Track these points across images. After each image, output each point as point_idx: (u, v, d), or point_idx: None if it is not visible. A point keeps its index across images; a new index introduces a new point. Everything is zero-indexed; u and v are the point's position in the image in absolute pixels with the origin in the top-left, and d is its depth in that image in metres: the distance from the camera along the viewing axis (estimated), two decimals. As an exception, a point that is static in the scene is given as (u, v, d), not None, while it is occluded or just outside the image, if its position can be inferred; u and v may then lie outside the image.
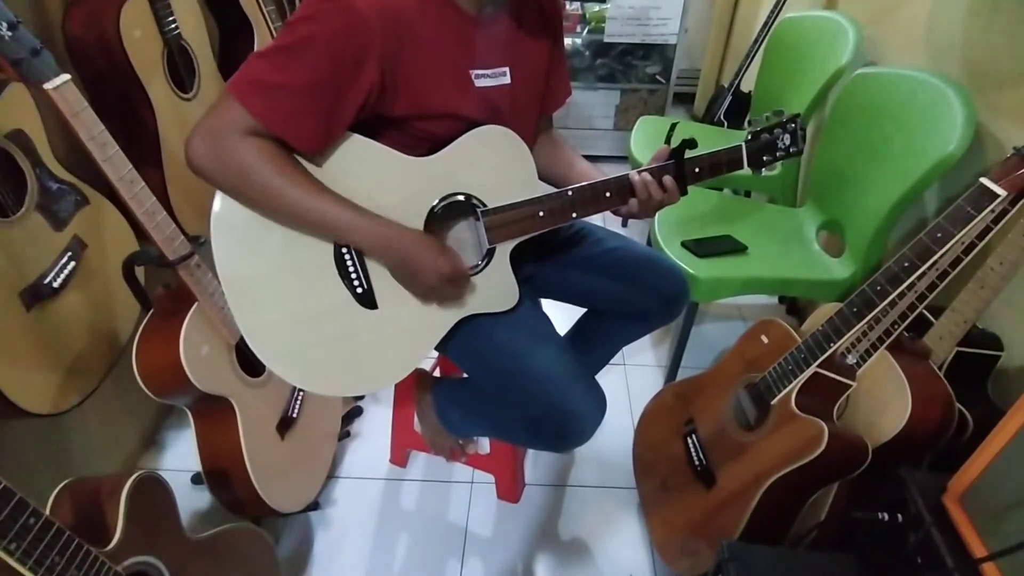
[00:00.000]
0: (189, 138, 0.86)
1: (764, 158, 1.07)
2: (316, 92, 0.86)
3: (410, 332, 1.04)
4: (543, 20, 1.07)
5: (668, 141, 1.05)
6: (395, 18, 0.87)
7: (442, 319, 1.05)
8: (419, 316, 1.03)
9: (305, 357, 0.98)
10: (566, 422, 1.01)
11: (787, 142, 1.07)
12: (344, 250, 0.96)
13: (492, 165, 1.01)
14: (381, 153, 0.95)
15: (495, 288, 1.06)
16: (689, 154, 1.03)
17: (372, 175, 0.95)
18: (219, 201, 0.91)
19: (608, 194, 1.03)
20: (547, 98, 1.15)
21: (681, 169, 1.03)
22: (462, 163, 0.99)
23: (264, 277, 0.94)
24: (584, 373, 1.07)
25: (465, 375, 1.29)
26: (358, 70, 0.87)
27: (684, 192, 1.06)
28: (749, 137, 1.06)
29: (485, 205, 1.01)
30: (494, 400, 1.14)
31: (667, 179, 1.03)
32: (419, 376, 1.39)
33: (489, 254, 1.04)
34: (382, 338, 1.01)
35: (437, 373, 1.68)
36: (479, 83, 0.99)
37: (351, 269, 0.97)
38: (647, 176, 1.02)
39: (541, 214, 1.02)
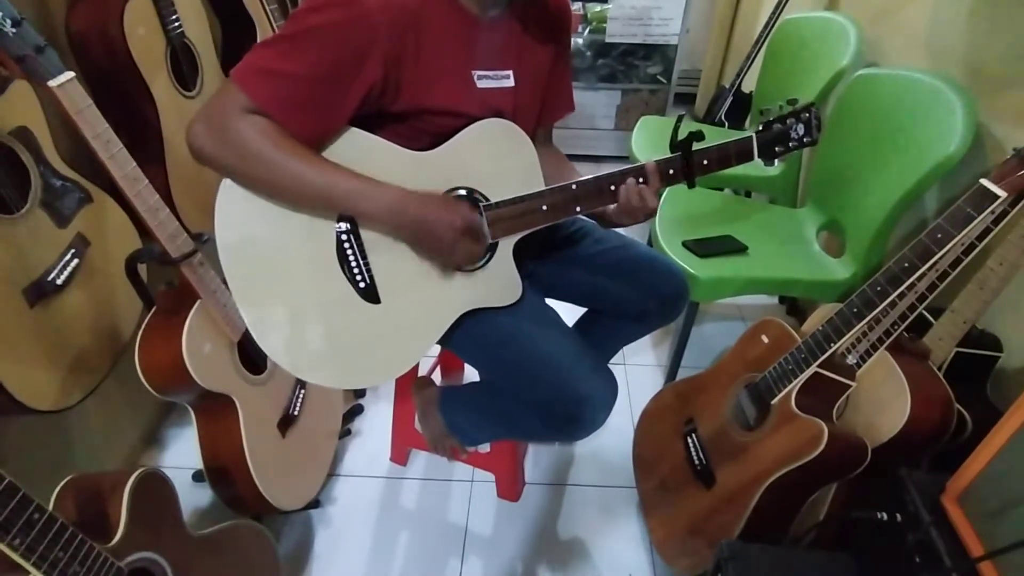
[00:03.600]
0: (191, 123, 0.87)
1: (777, 148, 1.04)
2: (318, 82, 0.87)
3: (413, 326, 1.04)
4: (550, 29, 1.07)
5: (675, 134, 1.03)
6: (400, 16, 0.88)
7: (445, 313, 1.05)
8: (422, 310, 1.03)
9: (308, 350, 0.98)
10: (576, 405, 1.00)
11: (800, 132, 1.03)
12: (346, 244, 0.96)
13: (495, 159, 1.01)
14: (383, 147, 0.96)
15: (498, 282, 1.07)
16: (697, 146, 1.01)
17: (374, 169, 0.95)
18: (222, 195, 0.92)
19: (612, 187, 1.02)
20: (546, 108, 1.15)
21: (689, 161, 1.02)
22: (464, 157, 0.99)
23: (267, 270, 0.95)
24: (592, 355, 1.06)
25: (465, 381, 1.28)
26: (361, 65, 0.88)
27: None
28: (760, 127, 1.04)
29: (488, 199, 1.02)
30: (502, 393, 1.14)
31: (644, 189, 1.00)
32: (422, 388, 1.38)
33: (492, 248, 1.05)
34: (385, 332, 1.02)
35: (438, 372, 1.69)
36: (481, 84, 1.00)
37: (353, 263, 0.97)
38: (651, 166, 1.01)
39: (544, 208, 1.02)
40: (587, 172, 1.04)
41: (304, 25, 0.86)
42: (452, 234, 0.94)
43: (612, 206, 1.03)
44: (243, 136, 0.86)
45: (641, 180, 1.01)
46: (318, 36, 0.86)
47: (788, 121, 1.03)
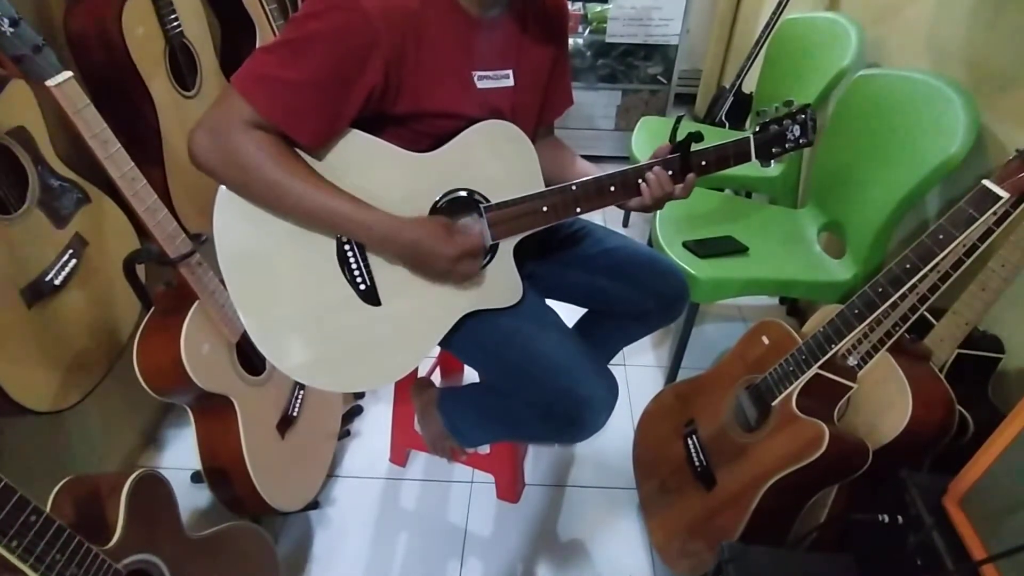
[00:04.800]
0: (192, 132, 0.86)
1: (773, 150, 1.05)
2: (319, 88, 0.87)
3: (414, 328, 1.03)
4: (549, 26, 1.07)
5: (674, 134, 1.04)
6: (400, 19, 0.88)
7: (446, 315, 1.05)
8: (423, 312, 1.03)
9: (308, 353, 0.98)
10: (576, 406, 1.00)
11: (796, 133, 1.05)
12: (347, 247, 0.96)
13: (495, 160, 1.01)
14: (383, 149, 0.96)
15: (499, 284, 1.06)
16: (695, 147, 1.02)
17: (374, 171, 0.95)
18: (221, 197, 0.91)
19: (612, 188, 1.02)
20: (546, 106, 1.15)
21: (687, 162, 1.02)
22: (464, 158, 0.99)
23: (267, 274, 0.94)
24: (592, 357, 1.06)
25: (465, 383, 1.28)
26: (362, 69, 0.87)
27: None
28: (758, 129, 1.05)
29: (488, 201, 1.01)
30: (502, 395, 1.14)
31: (688, 176, 1.02)
32: (422, 389, 1.38)
33: (492, 250, 1.04)
34: (386, 334, 1.01)
35: (437, 372, 1.68)
36: (480, 84, 0.99)
37: (354, 266, 0.97)
38: (659, 170, 1.02)
39: (545, 209, 1.02)
40: (587, 172, 1.04)
41: (304, 30, 0.85)
42: (445, 263, 0.95)
43: (635, 198, 1.04)
44: (244, 153, 0.86)
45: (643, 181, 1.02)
46: (318, 41, 0.85)
47: (784, 122, 1.05)
